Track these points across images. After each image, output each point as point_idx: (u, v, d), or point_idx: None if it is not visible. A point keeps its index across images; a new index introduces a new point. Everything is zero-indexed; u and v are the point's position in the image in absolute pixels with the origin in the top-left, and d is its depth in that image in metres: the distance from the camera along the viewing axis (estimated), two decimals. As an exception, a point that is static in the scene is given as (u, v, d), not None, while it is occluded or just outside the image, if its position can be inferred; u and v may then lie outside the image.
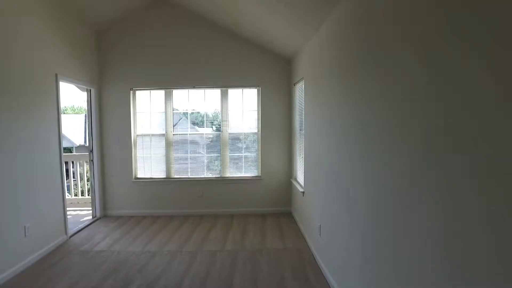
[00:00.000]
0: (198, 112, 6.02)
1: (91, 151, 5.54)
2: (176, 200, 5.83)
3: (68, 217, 5.74)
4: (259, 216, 5.69)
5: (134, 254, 4.08)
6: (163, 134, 5.85)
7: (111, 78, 5.65)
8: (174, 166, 5.88)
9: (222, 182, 5.85)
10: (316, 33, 3.86)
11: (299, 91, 5.04)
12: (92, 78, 5.43)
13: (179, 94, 5.85)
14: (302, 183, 4.87)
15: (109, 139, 5.73)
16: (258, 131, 5.86)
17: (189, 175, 5.89)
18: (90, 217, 5.67)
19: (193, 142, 5.96)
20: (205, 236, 4.75)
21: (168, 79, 5.68)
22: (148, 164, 5.88)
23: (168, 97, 5.79)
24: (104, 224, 5.35)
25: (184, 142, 5.92)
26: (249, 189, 5.87)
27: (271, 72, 5.74)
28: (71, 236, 4.73)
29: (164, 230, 5.06)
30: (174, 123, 5.88)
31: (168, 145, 5.84)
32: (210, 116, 6.06)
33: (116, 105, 5.69)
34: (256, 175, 5.92)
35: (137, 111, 5.81)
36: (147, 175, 5.89)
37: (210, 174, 5.92)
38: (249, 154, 5.94)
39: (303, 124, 4.81)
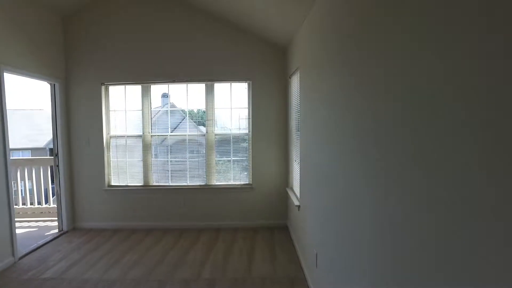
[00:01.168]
0: (180, 110, 5.26)
1: (56, 154, 4.81)
2: (154, 211, 5.09)
3: (30, 230, 5.12)
4: (249, 231, 4.91)
5: (89, 284, 3.33)
6: (140, 136, 5.11)
7: (80, 71, 4.91)
8: (153, 173, 5.14)
9: (207, 191, 5.09)
10: (312, 8, 3.06)
11: (295, 84, 4.25)
12: (56, 71, 4.70)
13: (157, 90, 5.10)
14: (298, 195, 4.09)
15: (78, 141, 5.00)
16: (249, 131, 5.08)
17: (170, 183, 5.14)
18: (57, 230, 4.96)
19: (174, 145, 5.21)
20: (181, 257, 3.99)
21: (145, 73, 4.93)
22: (123, 170, 5.14)
23: (146, 93, 5.05)
24: (69, 240, 4.63)
25: (163, 144, 5.17)
26: (239, 199, 5.10)
27: (264, 63, 4.96)
28: (21, 258, 4.00)
29: (136, 248, 4.31)
30: (152, 122, 5.13)
31: (146, 148, 5.09)
32: (194, 114, 5.29)
33: (85, 102, 4.96)
34: (247, 183, 5.15)
35: (110, 109, 5.07)
36: (122, 182, 5.15)
37: (194, 182, 5.16)
38: (239, 158, 5.17)
39: (299, 123, 4.03)
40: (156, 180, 5.14)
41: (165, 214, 5.08)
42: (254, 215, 5.10)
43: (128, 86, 5.05)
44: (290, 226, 4.77)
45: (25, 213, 5.67)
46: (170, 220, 5.08)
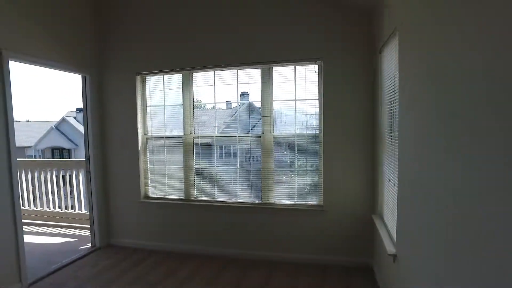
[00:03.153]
0: (229, 104, 4.11)
1: (88, 158, 4.11)
2: (195, 232, 4.02)
3: (66, 240, 4.55)
4: (316, 270, 3.49)
5: None
6: (180, 137, 4.10)
7: (112, 60, 4.12)
8: (195, 184, 4.08)
9: (262, 211, 3.82)
10: None
11: (391, 58, 2.69)
12: (87, 61, 3.98)
13: (201, 79, 4.02)
14: (393, 234, 2.53)
15: (113, 142, 4.23)
16: (320, 132, 3.66)
17: (216, 198, 4.02)
18: (90, 245, 4.27)
19: (222, 149, 4.07)
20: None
21: (186, 58, 3.90)
22: (161, 179, 4.20)
23: (187, 83, 4.01)
24: (95, 261, 3.84)
25: (208, 148, 4.08)
26: (304, 225, 3.71)
27: (340, 36, 3.48)
28: (31, 284, 3.29)
29: (168, 281, 3.30)
30: (196, 121, 4.08)
31: (187, 152, 4.06)
32: (246, 110, 4.08)
33: (118, 97, 4.16)
34: (315, 203, 3.73)
35: (147, 104, 4.18)
36: (160, 193, 4.21)
37: (245, 198, 3.95)
38: (305, 169, 3.78)
39: (396, 120, 2.49)
40: (198, 193, 4.08)
41: (207, 237, 3.98)
42: (323, 248, 3.65)
43: (166, 76, 4.09)
44: (378, 271, 3.21)
45: (65, 218, 5.21)
46: (212, 245, 3.96)
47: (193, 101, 4.02)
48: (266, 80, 3.77)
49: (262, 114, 3.82)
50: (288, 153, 3.87)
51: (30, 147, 24.54)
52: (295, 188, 3.80)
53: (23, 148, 24.00)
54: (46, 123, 25.91)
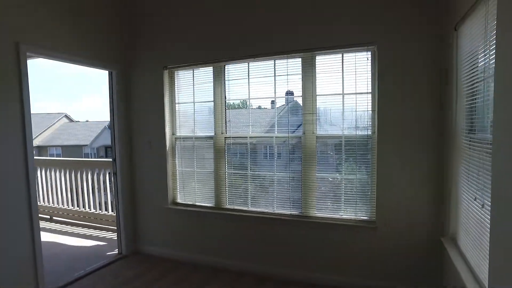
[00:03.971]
0: (266, 100, 3.60)
1: (114, 159, 3.85)
2: (226, 244, 3.58)
3: (94, 244, 4.36)
4: (368, 303, 2.87)
5: None
6: (211, 137, 3.68)
7: (139, 52, 3.82)
8: (227, 190, 3.63)
9: (302, 225, 3.27)
10: None
11: (475, 35, 2.00)
12: (113, 56, 3.71)
13: (233, 72, 3.56)
14: (479, 271, 1.86)
15: (140, 143, 3.94)
16: (374, 132, 3.02)
17: (249, 207, 3.54)
18: (117, 251, 4.02)
19: (256, 152, 3.58)
20: None
21: (217, 48, 3.47)
22: (190, 184, 3.82)
23: (218, 77, 3.58)
24: (117, 271, 3.55)
25: (241, 150, 3.61)
26: (351, 243, 3.09)
27: (399, 13, 2.82)
28: (49, 295, 3.08)
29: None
30: (228, 119, 3.63)
31: (218, 154, 3.63)
32: (284, 107, 3.54)
33: (146, 93, 3.85)
34: (367, 218, 3.09)
35: (175, 101, 3.82)
36: (189, 199, 3.83)
37: (284, 209, 3.42)
38: (354, 177, 3.15)
39: (486, 117, 1.81)
40: (230, 201, 3.63)
41: (239, 251, 3.51)
42: (375, 272, 3.00)
43: (196, 70, 3.69)
44: (450, 312, 2.50)
45: (98, 219, 5.06)
46: (244, 260, 3.48)
47: (225, 97, 3.58)
48: (308, 72, 3.21)
49: (303, 111, 3.26)
50: (333, 158, 3.27)
51: (87, 145, 26.09)
52: (341, 199, 3.19)
53: (80, 146, 25.66)
54: (102, 122, 27.42)
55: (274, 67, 3.33)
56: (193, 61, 3.59)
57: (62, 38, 3.18)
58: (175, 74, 3.77)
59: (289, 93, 3.41)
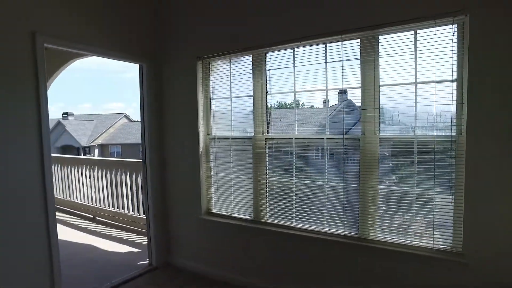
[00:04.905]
0: (315, 93, 2.96)
1: (145, 162, 3.50)
2: (265, 265, 3.02)
3: (129, 250, 3.99)
4: None
5: None
6: (250, 138, 3.15)
7: (170, 42, 3.41)
8: (268, 201, 3.08)
9: (359, 249, 2.59)
10: None
11: None
12: (142, 47, 3.35)
13: (276, 60, 2.98)
14: None
15: (172, 144, 3.54)
16: (461, 134, 2.24)
17: (293, 223, 2.94)
18: (148, 261, 3.68)
19: (303, 156, 2.97)
20: None
21: (257, 32, 2.93)
22: (226, 191, 3.33)
23: (258, 67, 3.02)
24: (144, 286, 3.19)
25: (285, 153, 3.02)
26: (427, 279, 2.35)
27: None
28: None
29: None
30: (269, 117, 3.07)
31: (258, 158, 3.08)
32: (337, 102, 2.87)
33: (177, 88, 3.44)
34: (449, 247, 2.32)
35: (210, 96, 3.35)
36: (224, 210, 3.34)
37: (336, 227, 2.76)
38: (431, 192, 2.39)
39: None
40: (271, 214, 3.06)
41: (280, 273, 2.93)
42: (465, 326, 2.23)
43: (234, 60, 3.18)
44: None
45: (136, 223, 4.81)
46: (286, 284, 2.90)
47: (266, 90, 3.02)
48: (369, 56, 2.52)
49: (362, 105, 2.58)
50: (401, 165, 2.55)
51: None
52: (412, 220, 2.46)
53: (138, 145, 26.98)
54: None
55: (326, 52, 2.70)
56: (230, 49, 3.08)
57: (86, 28, 2.88)
58: (210, 65, 3.30)
59: (343, 92, 2.75)
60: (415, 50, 2.35)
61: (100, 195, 5.36)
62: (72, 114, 29.47)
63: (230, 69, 3.20)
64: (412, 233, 2.44)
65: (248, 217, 3.16)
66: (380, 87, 2.50)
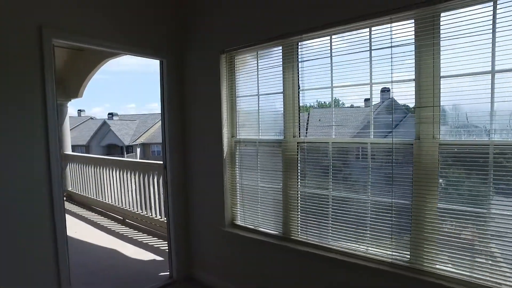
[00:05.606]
0: (357, 88, 2.47)
1: (165, 167, 3.22)
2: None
3: (152, 259, 3.72)
4: None
5: None
6: (279, 141, 2.73)
7: (192, 35, 3.10)
8: (299, 215, 2.64)
9: (411, 282, 2.08)
10: None
11: None
12: (162, 41, 3.07)
13: (310, 50, 2.53)
14: None
15: (194, 146, 3.23)
16: (556, 140, 1.68)
17: (329, 242, 2.49)
18: (168, 273, 3.41)
19: (341, 163, 2.49)
20: None
21: (287, 18, 2.51)
22: (253, 202, 2.94)
23: (289, 59, 2.59)
24: (163, 306, 2.91)
25: (320, 161, 2.57)
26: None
27: None
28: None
29: None
30: (305, 120, 2.63)
31: (289, 165, 2.65)
32: (379, 100, 2.35)
33: (199, 85, 3.11)
34: (539, 291, 1.76)
35: (235, 93, 2.98)
36: (250, 223, 2.95)
37: (381, 251, 2.27)
38: (512, 214, 1.84)
39: None
40: (303, 230, 2.62)
41: (316, 302, 2.49)
42: None
43: (261, 52, 2.78)
44: None
45: (158, 227, 4.59)
46: (324, 319, 2.45)
47: (298, 86, 2.59)
48: (427, 39, 2.00)
49: (417, 103, 2.07)
50: (470, 179, 2.00)
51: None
52: (486, 247, 1.91)
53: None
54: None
55: (370, 38, 2.21)
56: (257, 39, 2.69)
57: (100, 22, 2.64)
58: (235, 59, 2.93)
59: (389, 87, 2.25)
60: (493, 27, 1.80)
61: (128, 197, 5.24)
62: (116, 115, 30.84)
63: (257, 63, 2.81)
64: (486, 265, 1.89)
65: (277, 233, 2.75)
66: (441, 79, 1.98)
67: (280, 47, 2.63)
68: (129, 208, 5.26)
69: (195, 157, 3.22)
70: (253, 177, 2.90)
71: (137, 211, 5.09)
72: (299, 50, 2.55)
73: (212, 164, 3.05)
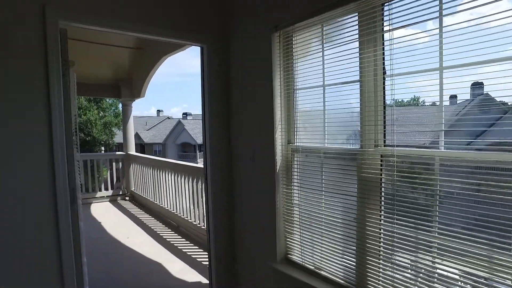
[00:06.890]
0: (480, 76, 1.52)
1: (206, 174, 2.60)
2: None
3: (191, 281, 3.15)
4: None
5: None
6: (354, 152, 1.89)
7: (239, 14, 2.41)
8: (381, 263, 1.78)
9: None
10: None
11: None
12: (202, 24, 2.44)
13: (402, 15, 1.65)
14: None
15: (240, 154, 2.55)
16: None
17: (432, 311, 1.58)
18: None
19: (452, 188, 1.56)
20: None
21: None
22: (314, 232, 2.13)
23: (369, 31, 1.72)
24: None
25: (418, 181, 1.66)
26: None
27: None
28: None
29: None
30: (388, 116, 1.76)
31: (367, 188, 1.80)
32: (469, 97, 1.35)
33: (245, 74, 2.41)
34: None
35: (294, 85, 2.21)
36: (309, 259, 2.15)
37: None
38: None
39: None
40: (387, 284, 1.75)
41: None
42: None
43: (328, 28, 1.97)
44: None
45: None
46: None
47: (383, 69, 1.72)
48: None
49: None
50: None
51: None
52: None
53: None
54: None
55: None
56: (322, 3, 1.89)
57: (124, 2, 2.12)
58: (292, 38, 2.17)
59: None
60: None
61: (182, 204, 4.84)
62: (190, 114, 32.19)
63: (322, 42, 2.01)
64: None
65: (345, 283, 1.92)
66: None
67: (356, 14, 1.79)
68: (183, 215, 4.86)
69: (242, 166, 2.55)
70: (316, 201, 2.10)
71: (190, 219, 4.66)
72: (386, 13, 1.68)
73: (261, 178, 2.34)
